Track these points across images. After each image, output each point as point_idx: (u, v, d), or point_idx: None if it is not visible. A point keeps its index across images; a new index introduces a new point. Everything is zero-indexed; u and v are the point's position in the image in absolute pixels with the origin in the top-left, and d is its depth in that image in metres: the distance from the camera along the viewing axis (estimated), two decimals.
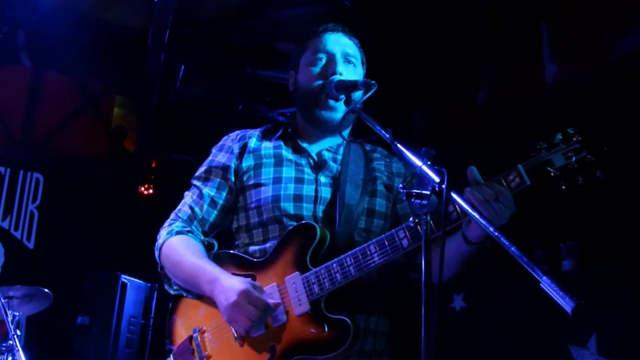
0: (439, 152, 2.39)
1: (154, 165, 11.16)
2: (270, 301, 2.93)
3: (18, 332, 5.99)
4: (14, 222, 9.81)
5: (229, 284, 2.94)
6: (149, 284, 9.02)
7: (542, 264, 5.74)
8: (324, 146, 3.41)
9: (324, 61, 3.32)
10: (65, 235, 9.85)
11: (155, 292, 9.07)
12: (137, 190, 10.98)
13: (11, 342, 5.80)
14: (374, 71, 3.28)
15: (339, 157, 3.37)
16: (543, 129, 2.69)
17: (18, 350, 5.79)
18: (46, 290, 6.50)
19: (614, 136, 2.70)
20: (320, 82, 3.27)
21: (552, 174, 2.59)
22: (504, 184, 2.63)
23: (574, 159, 2.57)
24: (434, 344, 2.11)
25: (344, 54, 3.34)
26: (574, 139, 2.59)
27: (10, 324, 5.83)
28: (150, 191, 10.96)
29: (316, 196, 3.19)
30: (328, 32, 3.41)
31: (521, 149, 2.72)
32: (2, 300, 5.91)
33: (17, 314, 6.35)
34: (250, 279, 3.00)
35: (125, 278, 8.58)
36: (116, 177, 10.62)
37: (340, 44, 3.37)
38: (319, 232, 2.95)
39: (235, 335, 3.04)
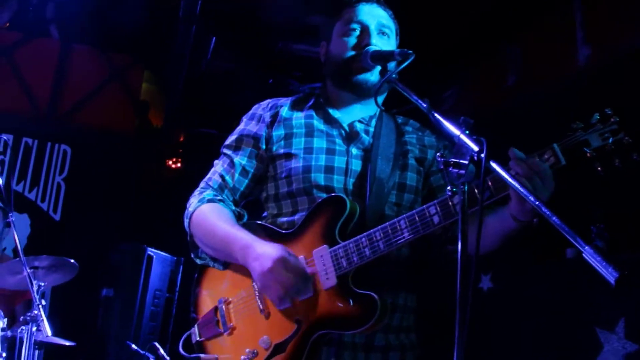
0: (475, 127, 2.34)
1: (181, 139, 11.17)
2: (308, 269, 2.90)
3: (43, 302, 5.99)
4: (41, 194, 9.87)
5: (264, 251, 2.90)
6: (175, 257, 9.04)
7: (570, 246, 5.69)
8: (356, 117, 3.35)
9: (357, 32, 3.28)
10: (92, 207, 9.90)
11: (181, 266, 9.09)
12: (164, 164, 11.01)
13: (36, 312, 5.81)
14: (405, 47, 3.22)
15: (371, 129, 3.33)
16: (574, 111, 2.63)
17: (42, 320, 5.80)
18: (72, 260, 6.51)
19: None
20: (353, 52, 3.23)
21: (588, 154, 2.53)
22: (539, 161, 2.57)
23: (611, 140, 2.51)
24: (468, 320, 2.07)
25: (378, 25, 3.29)
26: (612, 119, 2.53)
27: (35, 294, 5.84)
28: (178, 165, 10.98)
29: (347, 168, 3.15)
30: (362, 3, 3.36)
31: (551, 130, 2.67)
32: (28, 270, 5.92)
33: (43, 284, 6.37)
34: (282, 244, 2.96)
35: (151, 251, 8.60)
36: (144, 151, 10.65)
37: (374, 15, 3.32)
38: (348, 205, 2.90)
39: (261, 307, 3.02)
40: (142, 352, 6.47)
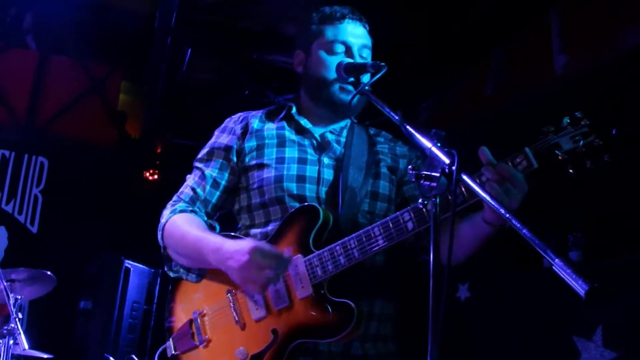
0: (447, 140, 2.35)
1: (159, 150, 11.14)
2: (285, 253, 2.87)
3: (20, 316, 5.95)
4: (18, 206, 9.79)
5: (236, 247, 2.88)
6: (153, 270, 9.00)
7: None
8: (328, 128, 3.37)
9: (341, 53, 3.27)
10: (69, 219, 9.82)
11: (159, 278, 9.04)
12: (142, 175, 10.97)
13: (12, 325, 5.77)
14: (382, 58, 3.23)
15: (342, 139, 3.34)
16: (551, 119, 2.65)
17: (20, 333, 5.76)
18: (49, 273, 6.47)
19: (623, 122, 2.65)
20: (336, 75, 3.22)
21: (559, 157, 2.54)
22: (511, 166, 2.58)
23: (582, 142, 2.52)
24: (441, 328, 2.06)
25: (361, 45, 3.31)
26: (582, 122, 2.55)
27: (12, 307, 5.81)
28: (156, 177, 10.95)
29: (319, 177, 3.16)
30: (346, 20, 3.34)
31: (529, 137, 2.68)
32: (4, 283, 5.88)
33: (20, 297, 6.32)
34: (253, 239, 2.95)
35: (128, 263, 8.57)
36: (121, 162, 10.60)
37: (357, 35, 3.32)
38: (321, 214, 2.90)
39: (237, 318, 3.01)
40: None
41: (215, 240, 3.02)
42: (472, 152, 2.63)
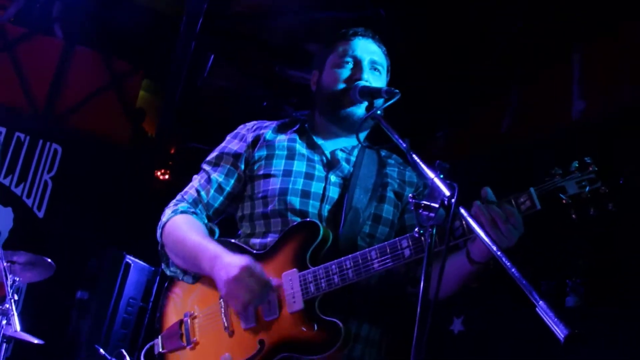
0: (456, 172, 2.37)
1: (172, 151, 11.18)
2: (273, 281, 2.91)
3: (15, 297, 5.99)
4: (27, 190, 9.84)
5: (230, 260, 2.92)
6: (153, 268, 9.02)
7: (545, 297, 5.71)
8: (339, 146, 3.39)
9: (350, 65, 3.31)
10: (76, 209, 9.87)
11: (158, 277, 9.06)
12: (153, 174, 11.00)
13: (7, 305, 5.80)
14: (400, 83, 3.26)
15: (353, 158, 3.36)
16: (562, 162, 2.66)
17: (13, 314, 5.79)
18: (49, 260, 6.51)
19: (631, 173, 2.66)
20: (344, 85, 3.26)
21: (563, 201, 2.54)
22: (514, 205, 2.60)
23: (587, 188, 2.51)
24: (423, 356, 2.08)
25: (371, 61, 3.33)
26: (590, 168, 2.54)
27: (9, 288, 5.84)
28: (167, 177, 10.99)
29: (324, 194, 3.17)
30: (358, 37, 3.39)
31: (537, 179, 2.69)
32: (4, 264, 5.92)
33: (18, 279, 6.36)
34: (251, 256, 2.98)
35: (129, 258, 8.60)
36: (134, 159, 10.64)
37: (368, 51, 3.35)
38: (322, 231, 2.92)
39: (226, 324, 3.03)
40: (109, 357, 6.45)
41: (213, 249, 3.04)
42: (477, 187, 2.66)
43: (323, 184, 3.21)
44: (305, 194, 3.15)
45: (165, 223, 3.30)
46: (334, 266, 2.85)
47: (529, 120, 7.34)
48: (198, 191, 3.38)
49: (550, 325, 1.96)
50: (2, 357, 6.04)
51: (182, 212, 3.30)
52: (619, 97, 6.23)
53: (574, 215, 2.56)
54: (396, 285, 3.26)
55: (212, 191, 3.35)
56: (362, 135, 3.37)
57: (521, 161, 6.89)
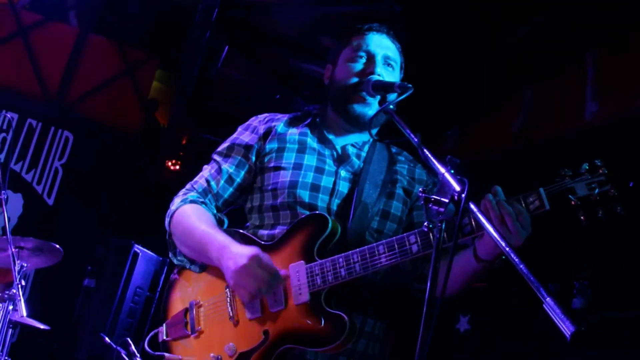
0: (465, 171, 2.36)
1: (184, 142, 11.18)
2: (281, 271, 2.92)
3: (23, 282, 5.99)
4: (38, 177, 9.85)
5: (238, 251, 2.93)
6: (161, 258, 9.00)
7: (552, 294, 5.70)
8: (350, 141, 3.39)
9: (364, 60, 3.32)
10: (86, 196, 9.89)
11: (166, 267, 9.05)
12: (164, 164, 11.01)
13: (14, 290, 5.81)
14: (412, 81, 3.25)
15: (363, 154, 3.36)
16: (573, 164, 2.65)
17: (20, 300, 5.79)
18: (57, 246, 6.51)
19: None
20: (357, 79, 3.27)
21: (572, 202, 2.54)
22: (523, 205, 2.59)
23: (597, 190, 2.52)
24: (427, 353, 2.08)
25: (384, 56, 3.34)
26: (600, 171, 2.54)
27: (16, 273, 5.85)
28: (177, 167, 10.99)
29: (333, 189, 3.18)
30: (372, 32, 3.40)
31: (547, 179, 2.69)
32: (13, 249, 5.92)
33: (25, 265, 6.37)
34: (259, 247, 2.98)
35: (138, 248, 8.59)
36: (145, 148, 10.65)
37: (382, 46, 3.36)
38: (330, 225, 2.93)
39: (231, 314, 3.04)
40: (114, 345, 6.46)
41: (221, 239, 3.05)
42: (487, 185, 2.65)
43: (333, 179, 3.21)
44: (315, 188, 3.16)
45: (174, 212, 3.31)
46: (341, 259, 2.85)
47: (540, 121, 7.32)
48: (208, 181, 3.38)
49: (557, 322, 1.95)
50: (8, 342, 6.05)
51: (192, 201, 3.31)
52: (632, 100, 6.21)
53: (582, 217, 2.56)
54: (402, 282, 3.26)
55: (222, 182, 3.36)
56: (374, 131, 3.37)
57: (532, 162, 6.87)
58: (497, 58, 7.16)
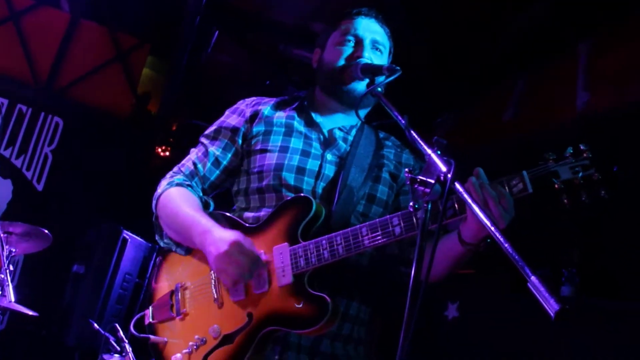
0: (453, 155, 2.35)
1: (174, 128, 11.16)
2: (262, 256, 2.93)
3: (11, 268, 5.99)
4: (27, 162, 9.82)
5: (221, 236, 2.93)
6: (150, 244, 8.99)
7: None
8: (337, 125, 3.39)
9: (352, 43, 3.32)
10: (76, 183, 9.86)
11: (155, 254, 9.05)
12: (154, 150, 10.98)
13: (2, 276, 5.79)
14: (404, 69, 3.24)
15: (350, 137, 3.36)
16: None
17: (8, 285, 5.78)
18: (46, 231, 6.49)
19: (626, 162, 2.65)
20: (345, 62, 3.27)
21: (556, 185, 2.54)
22: (506, 188, 2.60)
23: (580, 174, 2.51)
24: (411, 336, 2.08)
25: (373, 40, 3.34)
26: (585, 154, 2.54)
27: (4, 258, 5.83)
28: (167, 153, 10.96)
29: (319, 172, 3.18)
30: (361, 16, 3.41)
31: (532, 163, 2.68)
32: (1, 235, 5.91)
33: (14, 250, 6.35)
34: (241, 232, 2.98)
35: (127, 234, 8.58)
36: (135, 135, 10.62)
37: (371, 30, 3.36)
38: (314, 207, 2.92)
39: (216, 296, 3.04)
40: (103, 332, 6.45)
41: (205, 224, 3.05)
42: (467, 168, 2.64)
43: (319, 162, 3.21)
44: (301, 171, 3.16)
45: (160, 195, 3.32)
46: (324, 241, 2.85)
47: (532, 111, 7.31)
48: (195, 164, 3.39)
49: (541, 300, 1.94)
50: None
51: (178, 184, 3.31)
52: (624, 90, 6.20)
53: (566, 201, 2.56)
54: (388, 266, 3.26)
55: (209, 164, 3.36)
56: (362, 113, 3.37)
57: (521, 151, 6.87)
58: (489, 47, 7.14)
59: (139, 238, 8.82)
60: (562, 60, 6.99)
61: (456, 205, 2.65)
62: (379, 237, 2.77)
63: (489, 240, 2.73)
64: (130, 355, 5.97)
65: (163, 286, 3.34)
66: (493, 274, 6.07)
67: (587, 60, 6.70)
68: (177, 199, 3.23)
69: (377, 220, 2.80)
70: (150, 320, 3.32)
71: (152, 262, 9.00)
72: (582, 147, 2.56)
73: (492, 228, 2.13)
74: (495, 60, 7.27)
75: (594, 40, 6.66)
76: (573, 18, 6.43)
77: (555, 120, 6.96)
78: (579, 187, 2.52)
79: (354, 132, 3.40)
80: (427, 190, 2.25)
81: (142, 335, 3.29)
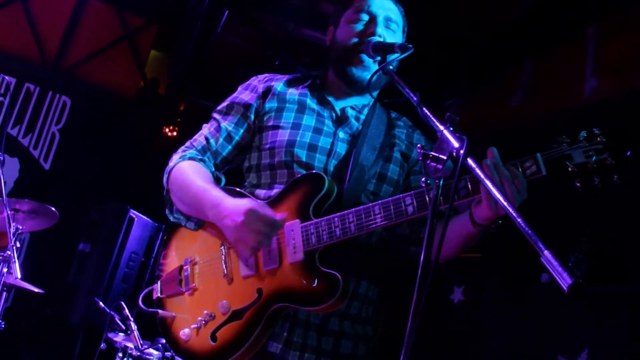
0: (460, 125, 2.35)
1: (181, 108, 11.15)
2: (278, 216, 2.91)
3: (18, 244, 5.99)
4: (34, 141, 9.84)
5: (235, 205, 2.92)
6: (157, 224, 9.01)
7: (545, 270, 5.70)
8: (350, 103, 3.38)
9: (365, 21, 3.30)
10: (82, 162, 9.87)
11: (161, 233, 9.05)
12: (161, 130, 10.99)
13: (9, 252, 5.80)
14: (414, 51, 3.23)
15: (362, 116, 3.36)
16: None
17: (15, 262, 5.79)
18: (53, 209, 6.50)
19: (636, 151, 2.64)
20: (357, 39, 3.25)
21: (569, 169, 2.53)
22: (520, 169, 2.59)
23: (594, 158, 2.51)
24: (420, 316, 2.08)
25: (386, 17, 3.31)
26: (598, 139, 2.53)
27: (11, 235, 5.84)
28: (175, 134, 10.96)
29: (331, 149, 3.17)
30: None
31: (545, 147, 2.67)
32: (8, 211, 5.92)
33: (21, 227, 6.36)
34: (252, 197, 2.97)
35: (133, 213, 8.59)
36: (143, 114, 10.62)
37: (384, 8, 3.34)
38: (326, 185, 2.92)
39: (226, 271, 3.04)
40: (108, 310, 6.47)
41: (216, 195, 3.04)
42: (483, 156, 2.63)
43: (331, 139, 3.21)
44: (312, 148, 3.15)
45: (172, 168, 3.31)
46: (336, 219, 2.84)
47: (540, 96, 7.29)
48: (207, 139, 3.38)
49: (554, 274, 1.95)
50: (2, 305, 6.05)
51: (190, 158, 3.31)
52: (632, 76, 6.17)
53: (578, 184, 2.55)
54: (399, 245, 3.26)
55: (221, 139, 3.35)
56: (375, 93, 3.36)
57: (529, 136, 6.85)
58: (498, 31, 7.11)
59: (145, 217, 8.84)
60: (570, 46, 6.96)
61: (469, 186, 2.64)
62: (392, 216, 2.76)
63: (500, 222, 2.73)
64: (136, 333, 5.99)
65: (172, 261, 3.34)
66: (499, 259, 6.07)
67: (595, 46, 6.67)
68: (189, 172, 3.22)
69: (390, 198, 2.79)
70: (159, 294, 3.31)
71: (158, 241, 9.01)
72: (595, 131, 2.56)
73: (506, 203, 2.13)
74: (504, 44, 7.24)
75: (602, 25, 6.63)
76: (581, 3, 6.40)
77: (563, 105, 6.94)
78: (592, 171, 2.52)
79: (366, 110, 3.39)
80: (439, 166, 2.25)
81: (150, 309, 3.29)
